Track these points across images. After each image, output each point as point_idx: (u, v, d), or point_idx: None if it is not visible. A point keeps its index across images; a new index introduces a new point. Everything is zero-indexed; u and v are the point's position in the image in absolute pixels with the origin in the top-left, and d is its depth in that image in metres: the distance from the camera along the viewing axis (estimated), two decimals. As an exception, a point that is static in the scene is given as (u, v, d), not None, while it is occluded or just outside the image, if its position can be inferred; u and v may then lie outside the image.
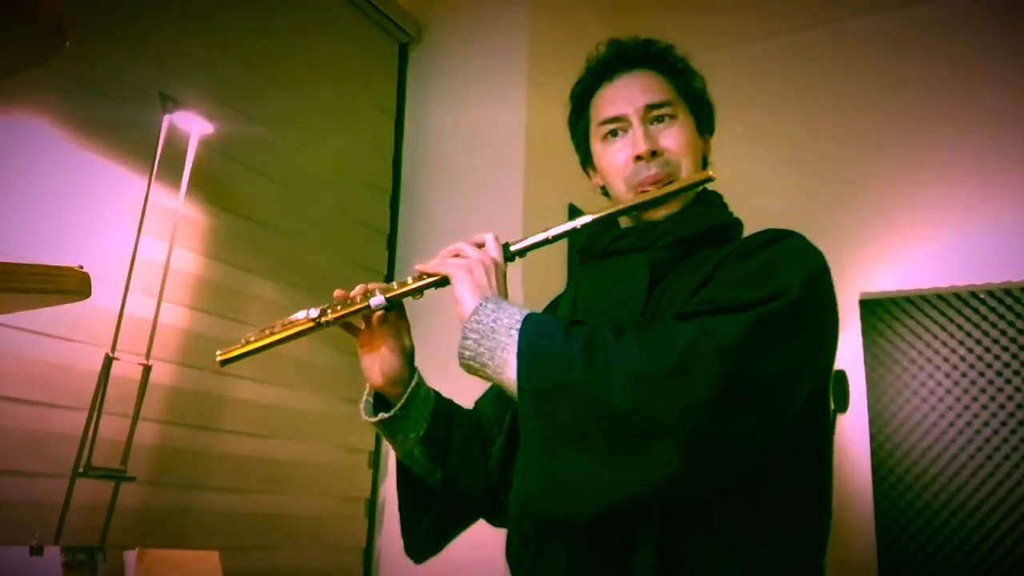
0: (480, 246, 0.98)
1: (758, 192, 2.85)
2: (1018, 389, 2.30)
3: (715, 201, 1.08)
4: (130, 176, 1.69)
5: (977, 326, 2.39)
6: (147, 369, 1.59)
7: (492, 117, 2.44)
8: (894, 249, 2.64)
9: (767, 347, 0.82)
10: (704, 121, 1.10)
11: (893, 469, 2.39)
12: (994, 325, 2.37)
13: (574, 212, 2.55)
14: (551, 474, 0.80)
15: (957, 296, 2.43)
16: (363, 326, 1.04)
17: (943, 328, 2.43)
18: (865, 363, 2.50)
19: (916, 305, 2.48)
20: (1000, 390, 2.32)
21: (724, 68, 3.11)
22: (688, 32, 3.17)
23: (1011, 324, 2.35)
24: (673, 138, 1.03)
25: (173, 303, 1.76)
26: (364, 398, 1.06)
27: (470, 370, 0.89)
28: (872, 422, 2.43)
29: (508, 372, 0.85)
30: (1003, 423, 2.29)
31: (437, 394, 1.08)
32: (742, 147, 2.92)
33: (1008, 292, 2.37)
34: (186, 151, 1.73)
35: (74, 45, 0.78)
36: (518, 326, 0.86)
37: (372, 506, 2.31)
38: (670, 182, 1.01)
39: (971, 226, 2.53)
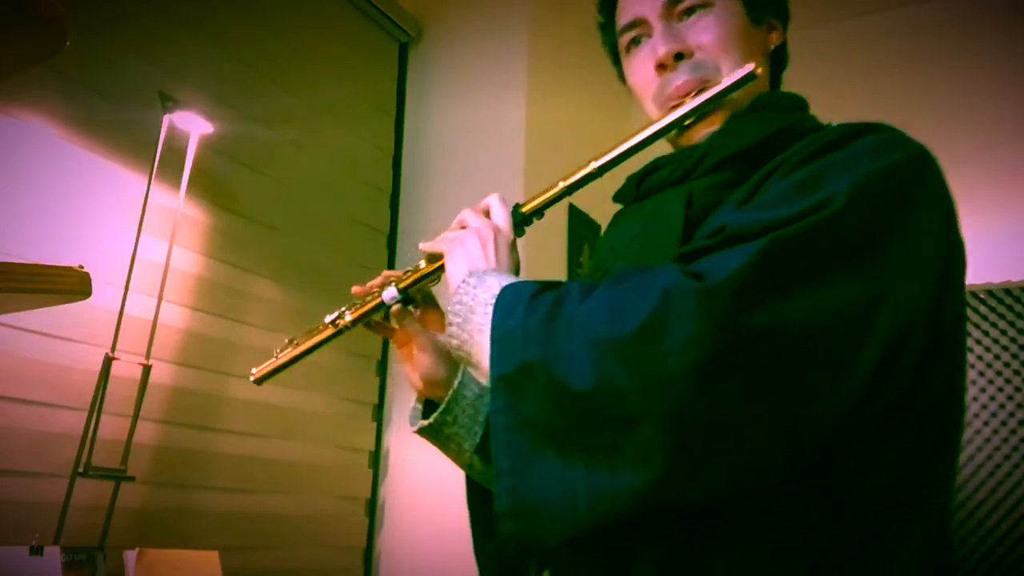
0: (488, 213, 0.84)
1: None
2: (1018, 389, 2.30)
3: (781, 103, 0.81)
4: (130, 176, 1.69)
5: (977, 326, 2.38)
6: (147, 369, 1.59)
7: (492, 117, 2.44)
8: (894, 249, 2.64)
9: (787, 285, 0.58)
10: (763, 2, 0.84)
11: (893, 469, 2.39)
12: (994, 325, 2.37)
13: (575, 213, 2.55)
14: (521, 485, 0.62)
15: (957, 296, 2.42)
16: (396, 324, 0.90)
17: (943, 328, 2.42)
18: (865, 363, 2.50)
19: (916, 305, 2.48)
20: (1000, 390, 2.32)
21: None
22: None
23: (1011, 324, 2.35)
24: (707, 32, 0.80)
25: (173, 303, 1.76)
26: (412, 404, 0.94)
27: (463, 363, 0.74)
28: (872, 422, 2.43)
29: (485, 360, 0.67)
30: (1003, 423, 2.29)
31: None
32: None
33: (1008, 292, 2.37)
34: (186, 151, 1.72)
35: (74, 45, 0.79)
36: (494, 300, 0.69)
37: (372, 506, 2.31)
38: (705, 90, 0.78)
39: (971, 226, 2.52)
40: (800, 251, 0.59)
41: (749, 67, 0.77)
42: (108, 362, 1.52)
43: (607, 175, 0.84)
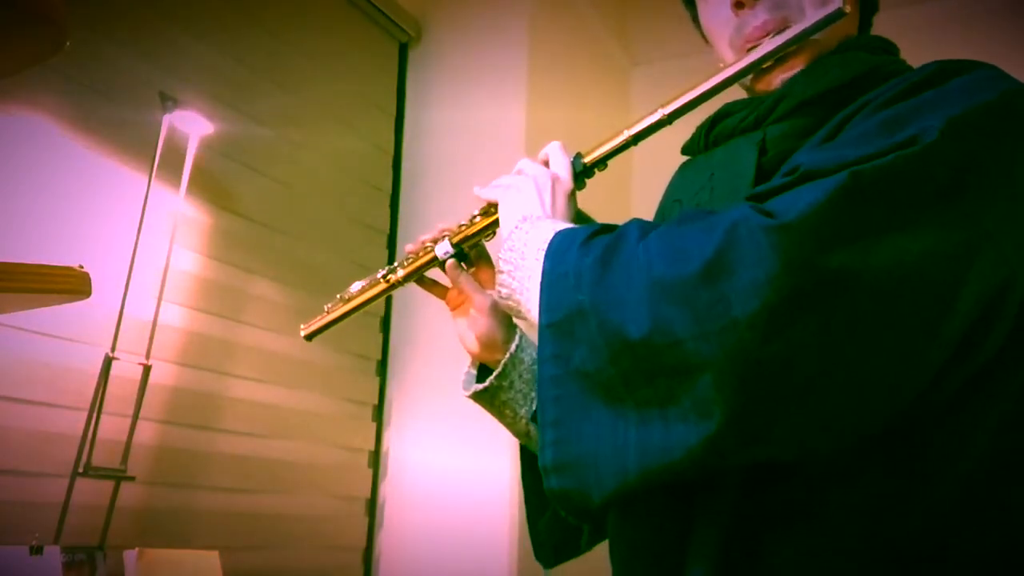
0: (548, 164, 0.80)
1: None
2: (1018, 389, 2.30)
3: (866, 44, 0.73)
4: (130, 176, 1.69)
5: (977, 326, 2.38)
6: (147, 369, 1.59)
7: (492, 117, 2.44)
8: (894, 249, 2.64)
9: (870, 226, 0.51)
10: None
11: (893, 469, 2.39)
12: (994, 325, 2.36)
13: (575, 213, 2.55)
14: (567, 437, 0.58)
15: (957, 296, 2.42)
16: (450, 282, 0.86)
17: (943, 328, 2.42)
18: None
19: (916, 305, 2.48)
20: None
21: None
22: (684, 33, 3.17)
23: (1011, 324, 2.35)
24: None
25: (173, 303, 1.76)
26: (466, 369, 0.88)
27: (513, 314, 0.70)
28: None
29: (534, 308, 0.63)
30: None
31: None
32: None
33: (1008, 292, 2.37)
34: (186, 151, 1.72)
35: (74, 45, 0.78)
36: (546, 245, 0.64)
37: (372, 506, 2.31)
38: (787, 30, 0.71)
39: (971, 226, 2.53)
40: (886, 188, 0.52)
41: (837, 3, 0.69)
42: (108, 362, 1.52)
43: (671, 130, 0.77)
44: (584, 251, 0.59)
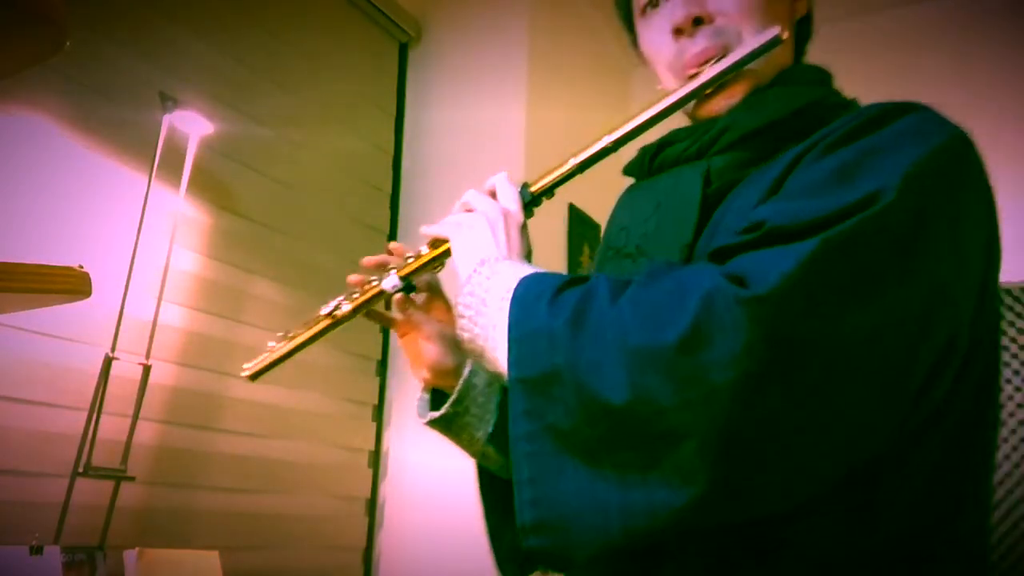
0: (495, 195, 0.79)
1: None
2: (1018, 389, 2.30)
3: (805, 77, 0.76)
4: (130, 176, 1.69)
5: (977, 326, 2.38)
6: (147, 369, 1.59)
7: (492, 117, 2.44)
8: (894, 249, 2.64)
9: (839, 293, 0.53)
10: None
11: (893, 469, 2.39)
12: (994, 325, 2.37)
13: (574, 212, 2.55)
14: (545, 496, 0.58)
15: (957, 296, 2.42)
16: (399, 314, 0.86)
17: (943, 328, 2.43)
18: (865, 363, 2.50)
19: (916, 305, 2.48)
20: (999, 390, 2.32)
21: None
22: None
23: (1011, 324, 2.35)
24: None
25: (173, 303, 1.76)
26: (419, 395, 0.89)
27: (475, 358, 0.69)
28: (872, 422, 2.43)
29: (501, 357, 0.63)
30: (1003, 423, 2.29)
31: None
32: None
33: (1008, 292, 2.37)
34: (186, 151, 1.72)
35: (74, 45, 0.78)
36: (510, 295, 0.64)
37: (372, 506, 2.31)
38: (725, 57, 0.72)
39: (971, 226, 2.53)
40: (853, 254, 0.54)
41: (774, 30, 0.71)
42: (108, 362, 1.52)
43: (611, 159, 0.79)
44: (554, 310, 0.59)
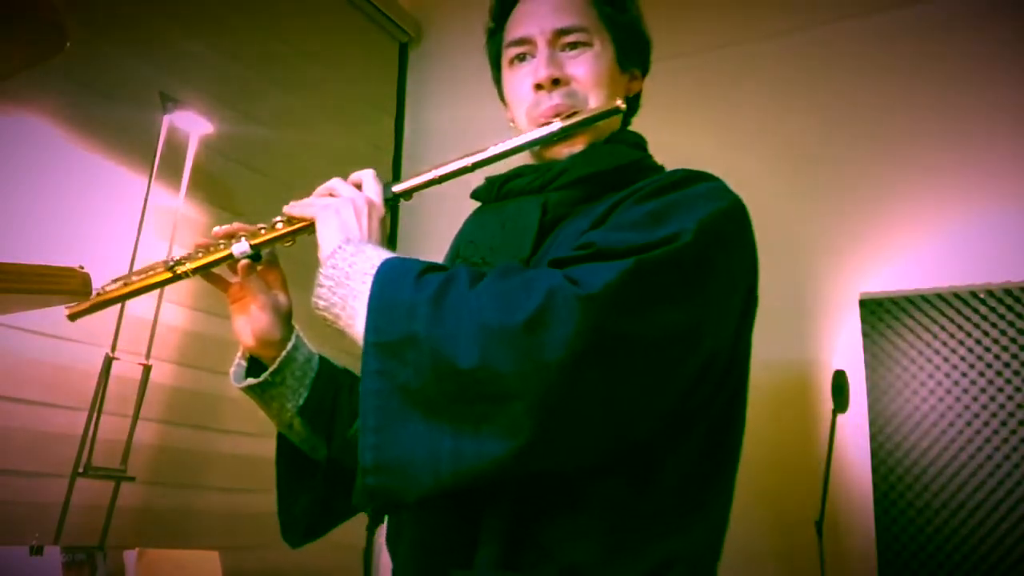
0: (359, 187, 0.88)
1: (758, 192, 2.85)
2: (1018, 389, 2.30)
3: (630, 140, 0.95)
4: (130, 176, 1.69)
5: (977, 326, 2.38)
6: (147, 369, 1.59)
7: (492, 117, 2.44)
8: (894, 249, 2.64)
9: (645, 302, 0.70)
10: (631, 54, 0.96)
11: (893, 469, 2.39)
12: (994, 325, 2.37)
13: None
14: (387, 442, 0.68)
15: (957, 296, 2.42)
16: (234, 278, 0.92)
17: (943, 328, 2.42)
18: (865, 363, 2.50)
19: (916, 305, 2.48)
20: (1000, 390, 2.31)
21: (722, 69, 3.11)
22: (687, 33, 3.18)
23: (1011, 324, 2.35)
24: (583, 67, 0.91)
25: (173, 303, 1.76)
26: (236, 361, 0.96)
27: (327, 322, 0.78)
28: (872, 422, 2.43)
29: (358, 324, 0.73)
30: (1003, 423, 2.29)
31: (323, 359, 0.98)
32: (740, 147, 2.91)
33: (1008, 292, 2.37)
34: (186, 151, 1.73)
35: (74, 45, 0.78)
36: (373, 271, 0.74)
37: (372, 506, 2.31)
38: (574, 114, 0.88)
39: (971, 226, 2.53)
40: (657, 274, 0.71)
41: (618, 103, 0.88)
42: (108, 362, 1.52)
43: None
44: (419, 286, 0.71)
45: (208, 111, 1.78)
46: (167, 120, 1.68)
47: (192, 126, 1.74)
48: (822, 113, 2.91)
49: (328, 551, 2.17)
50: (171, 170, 1.71)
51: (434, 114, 2.57)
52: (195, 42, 1.90)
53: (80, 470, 1.46)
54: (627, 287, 0.68)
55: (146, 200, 1.64)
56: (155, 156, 1.66)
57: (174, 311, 1.77)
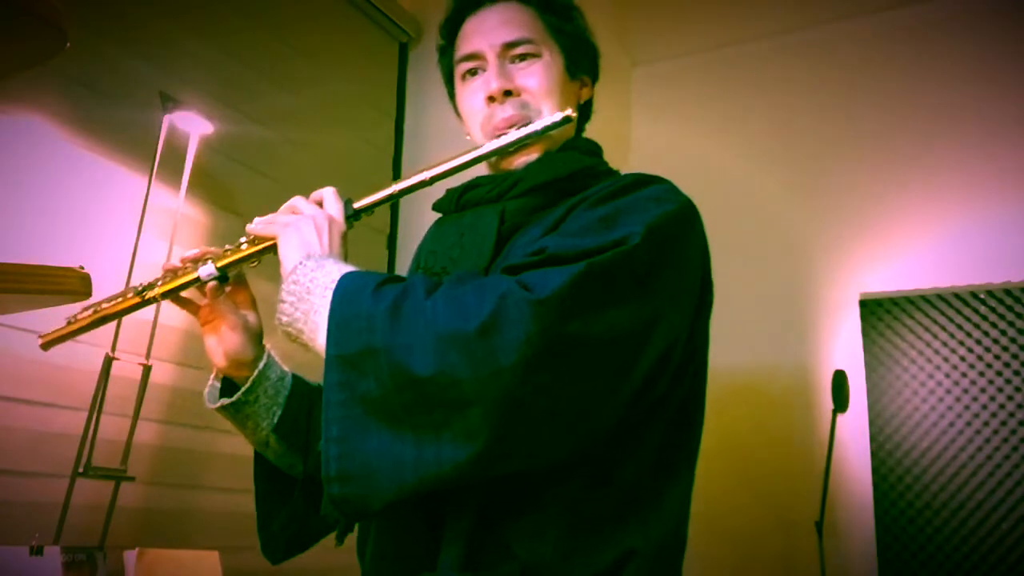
0: (321, 204, 0.89)
1: (757, 193, 2.85)
2: (1018, 389, 2.30)
3: (584, 148, 0.97)
4: (130, 176, 1.69)
5: (977, 326, 2.38)
6: (147, 369, 1.59)
7: (492, 117, 2.44)
8: (894, 249, 2.64)
9: (596, 304, 0.71)
10: (579, 62, 0.99)
11: (893, 469, 2.39)
12: (994, 325, 2.37)
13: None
14: (350, 452, 0.69)
15: (957, 296, 2.42)
16: (204, 301, 0.93)
17: (943, 328, 2.43)
18: (865, 363, 2.50)
19: (916, 305, 2.48)
20: (1000, 390, 2.32)
21: (721, 70, 3.11)
22: (684, 34, 3.18)
23: (1011, 324, 2.35)
24: (533, 77, 0.94)
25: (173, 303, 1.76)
26: (209, 382, 0.96)
27: (290, 338, 0.79)
28: (872, 422, 2.43)
29: (319, 338, 0.74)
30: (1003, 423, 2.29)
31: (296, 377, 0.98)
32: (740, 148, 2.92)
33: (1008, 292, 2.37)
34: (186, 151, 1.73)
35: (74, 45, 0.79)
36: (334, 285, 0.75)
37: (372, 506, 2.31)
38: (527, 125, 0.91)
39: (971, 226, 2.53)
40: (607, 276, 0.72)
41: (568, 112, 0.90)
42: (108, 362, 1.52)
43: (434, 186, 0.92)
44: (376, 298, 0.71)
45: (208, 111, 1.78)
46: (167, 120, 1.68)
47: (192, 126, 1.74)
48: (822, 113, 2.91)
49: (328, 551, 2.17)
50: (171, 170, 1.71)
51: (434, 114, 2.57)
52: (195, 42, 1.90)
53: (80, 470, 1.47)
54: (578, 290, 0.70)
55: (146, 200, 1.64)
56: (155, 156, 1.66)
57: (174, 311, 1.76)
